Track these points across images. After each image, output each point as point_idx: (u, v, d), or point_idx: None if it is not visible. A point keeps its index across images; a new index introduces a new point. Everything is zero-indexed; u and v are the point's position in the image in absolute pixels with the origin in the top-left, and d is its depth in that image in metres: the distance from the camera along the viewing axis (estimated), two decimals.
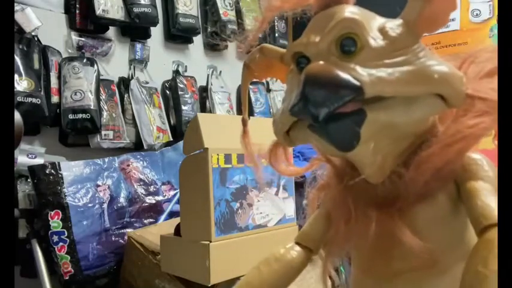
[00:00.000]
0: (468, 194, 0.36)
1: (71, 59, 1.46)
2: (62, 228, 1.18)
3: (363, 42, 0.35)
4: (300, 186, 1.07)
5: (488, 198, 0.35)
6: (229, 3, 1.92)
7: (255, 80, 0.50)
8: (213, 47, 1.97)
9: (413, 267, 0.39)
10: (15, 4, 1.33)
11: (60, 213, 1.19)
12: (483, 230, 0.33)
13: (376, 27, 0.36)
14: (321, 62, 0.34)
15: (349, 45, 0.35)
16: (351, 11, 0.36)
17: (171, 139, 1.68)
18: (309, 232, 0.48)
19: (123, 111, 1.61)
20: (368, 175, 0.39)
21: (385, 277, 0.41)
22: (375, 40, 0.35)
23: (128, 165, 1.39)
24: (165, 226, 1.20)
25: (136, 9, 1.56)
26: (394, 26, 0.36)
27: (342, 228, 0.42)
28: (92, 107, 1.43)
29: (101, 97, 1.50)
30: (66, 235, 1.19)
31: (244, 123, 0.49)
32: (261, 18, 0.43)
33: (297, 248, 0.46)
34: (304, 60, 0.37)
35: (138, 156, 1.43)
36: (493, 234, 0.32)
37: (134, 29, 1.66)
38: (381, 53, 0.34)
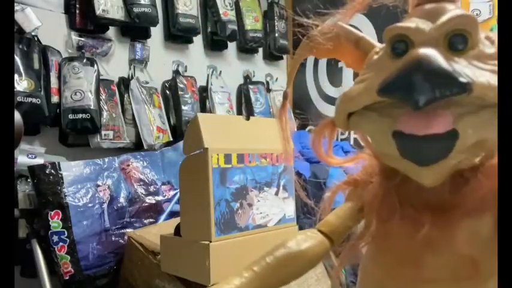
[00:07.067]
0: None
1: (71, 59, 1.46)
2: (62, 228, 1.18)
3: (473, 42, 0.34)
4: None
5: None
6: (229, 3, 1.92)
7: (310, 56, 0.48)
8: (213, 47, 1.97)
9: (450, 277, 0.38)
10: (15, 4, 1.33)
11: (60, 213, 1.19)
12: None
13: (484, 33, 0.35)
14: (433, 49, 0.33)
15: (459, 42, 0.34)
16: (464, 10, 0.35)
17: (171, 139, 1.68)
18: (333, 223, 0.45)
19: (123, 111, 1.61)
20: (423, 180, 0.38)
21: (412, 283, 0.40)
22: (484, 44, 0.34)
23: (128, 165, 1.39)
24: (165, 226, 1.20)
25: (136, 9, 1.55)
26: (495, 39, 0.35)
27: (380, 226, 0.41)
28: (92, 107, 1.42)
29: (101, 97, 1.50)
30: (66, 235, 1.19)
31: (285, 96, 0.49)
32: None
33: (319, 235, 0.44)
34: (403, 45, 0.36)
35: (138, 156, 1.43)
36: None
37: (134, 29, 1.66)
38: (487, 58, 0.34)
